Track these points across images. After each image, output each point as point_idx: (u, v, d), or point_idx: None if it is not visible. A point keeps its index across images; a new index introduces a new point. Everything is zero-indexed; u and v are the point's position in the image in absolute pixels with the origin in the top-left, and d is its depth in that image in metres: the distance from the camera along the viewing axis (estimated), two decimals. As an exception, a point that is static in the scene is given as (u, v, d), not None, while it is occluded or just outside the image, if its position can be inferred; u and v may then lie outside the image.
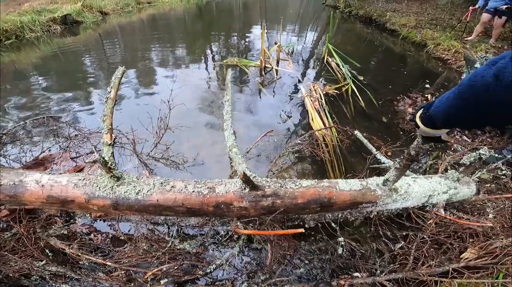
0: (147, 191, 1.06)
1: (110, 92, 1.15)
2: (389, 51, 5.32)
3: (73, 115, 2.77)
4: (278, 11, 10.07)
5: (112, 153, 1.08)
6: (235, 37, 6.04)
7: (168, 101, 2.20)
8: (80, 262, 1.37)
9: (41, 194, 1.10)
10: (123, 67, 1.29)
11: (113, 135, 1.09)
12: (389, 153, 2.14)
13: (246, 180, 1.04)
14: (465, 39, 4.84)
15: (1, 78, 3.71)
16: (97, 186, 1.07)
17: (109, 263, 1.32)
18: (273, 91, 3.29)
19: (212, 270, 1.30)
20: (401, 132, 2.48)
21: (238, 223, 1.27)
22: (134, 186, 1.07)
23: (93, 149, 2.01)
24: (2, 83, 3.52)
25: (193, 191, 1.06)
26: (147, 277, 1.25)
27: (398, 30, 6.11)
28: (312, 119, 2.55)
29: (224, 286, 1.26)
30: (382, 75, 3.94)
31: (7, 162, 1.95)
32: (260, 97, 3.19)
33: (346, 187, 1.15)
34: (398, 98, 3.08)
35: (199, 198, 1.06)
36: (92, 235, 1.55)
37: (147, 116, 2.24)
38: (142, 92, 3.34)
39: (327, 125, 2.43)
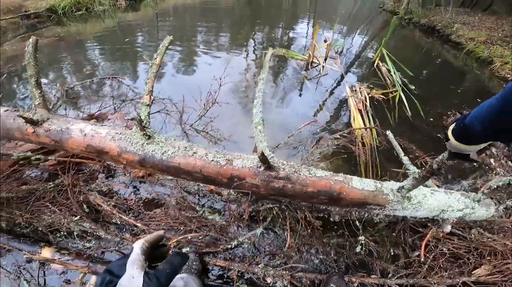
0: (171, 153, 1.14)
1: (156, 58, 1.26)
2: (448, 64, 4.85)
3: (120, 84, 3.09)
4: (328, 9, 9.74)
5: (149, 113, 1.19)
6: (280, 29, 6.08)
7: (220, 78, 2.41)
8: (111, 221, 1.47)
9: (82, 142, 1.24)
10: (171, 36, 1.40)
11: (152, 97, 1.20)
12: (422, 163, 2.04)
13: (263, 159, 1.06)
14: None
15: (63, 46, 4.23)
16: (130, 141, 1.18)
17: (139, 225, 1.41)
18: (316, 86, 3.30)
19: (233, 247, 1.35)
20: (445, 148, 2.30)
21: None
22: (161, 147, 1.16)
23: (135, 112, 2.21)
24: (63, 51, 4.02)
25: (212, 160, 1.12)
26: (171, 244, 1.32)
27: (463, 43, 5.52)
28: (354, 119, 2.53)
29: (242, 263, 1.31)
30: (435, 87, 3.65)
31: (66, 114, 2.26)
32: (303, 89, 3.24)
33: (359, 185, 1.11)
34: (448, 113, 2.84)
35: (216, 168, 1.11)
36: (127, 195, 1.68)
37: (197, 90, 2.46)
38: (190, 69, 3.62)
39: (367, 126, 2.41)
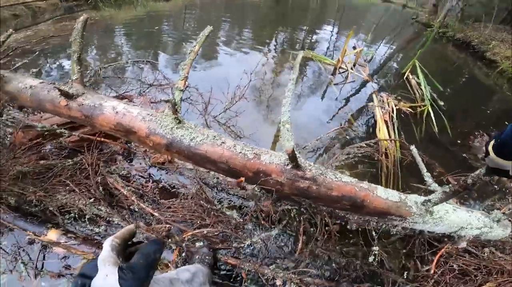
0: (200, 140, 1.14)
1: (195, 46, 1.26)
2: (479, 82, 4.68)
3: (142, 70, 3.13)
4: (357, 16, 9.57)
5: (181, 98, 1.19)
6: (304, 31, 6.01)
7: (251, 73, 2.46)
8: (125, 207, 1.41)
9: (112, 119, 1.25)
10: (211, 26, 1.40)
11: (186, 83, 1.20)
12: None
13: (292, 156, 1.04)
14: None
15: (95, 29, 4.34)
16: (160, 124, 1.19)
17: (156, 214, 1.36)
18: (341, 92, 3.25)
19: (246, 246, 1.34)
20: (469, 168, 2.21)
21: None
22: (190, 133, 1.16)
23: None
24: (95, 34, 4.14)
25: (240, 152, 1.11)
26: (186, 237, 1.30)
27: (498, 61, 5.27)
28: (379, 129, 2.49)
29: (253, 263, 1.30)
30: (464, 105, 3.54)
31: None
32: (326, 93, 3.20)
33: (383, 195, 1.07)
34: (476, 133, 2.72)
35: (243, 161, 1.10)
36: (144, 181, 1.64)
37: (218, 83, 2.48)
38: (213, 62, 3.65)
39: (392, 138, 2.36)
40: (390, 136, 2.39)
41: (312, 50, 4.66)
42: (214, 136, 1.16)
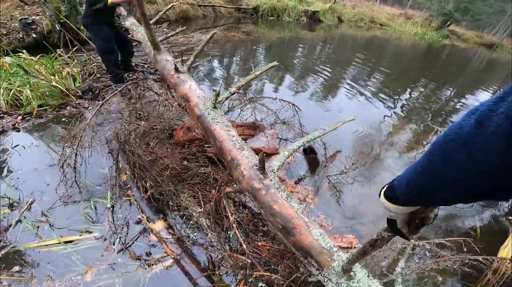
0: (215, 122, 1.59)
1: (258, 71, 1.77)
2: None
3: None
4: None
5: (227, 98, 1.74)
6: (447, 97, 5.04)
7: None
8: (223, 228, 1.50)
9: (183, 90, 1.90)
10: (277, 62, 1.86)
11: (237, 92, 1.74)
12: None
13: (261, 160, 1.28)
14: None
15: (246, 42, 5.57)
16: (203, 103, 1.72)
17: (244, 246, 1.39)
18: None
19: None
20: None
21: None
22: (214, 115, 1.63)
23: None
24: (242, 46, 5.30)
25: (231, 140, 1.47)
26: (255, 274, 1.31)
27: None
28: (505, 247, 1.90)
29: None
30: None
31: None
32: None
33: (316, 236, 1.11)
34: None
35: (231, 147, 1.45)
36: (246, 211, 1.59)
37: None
38: (329, 101, 3.78)
39: None
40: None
41: (448, 117, 4.00)
42: (227, 125, 1.57)
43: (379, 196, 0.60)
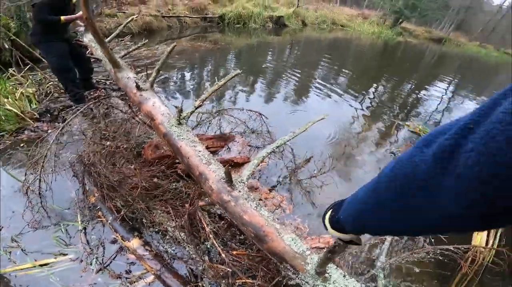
0: (181, 138, 1.59)
1: (221, 81, 1.78)
2: None
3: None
4: (485, 75, 7.95)
5: (192, 113, 1.73)
6: (408, 90, 5.48)
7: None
8: (200, 239, 1.51)
9: (147, 108, 1.88)
10: (240, 71, 1.89)
11: (201, 105, 1.75)
12: None
13: (227, 173, 1.31)
14: None
15: (213, 51, 5.61)
16: (168, 120, 1.72)
17: (223, 255, 1.40)
18: None
19: None
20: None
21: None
22: (180, 132, 1.63)
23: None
24: (210, 55, 5.33)
25: (198, 156, 1.48)
26: (237, 282, 1.33)
27: None
28: (477, 234, 2.07)
29: None
30: None
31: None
32: None
33: (287, 240, 1.16)
34: None
35: (198, 162, 1.47)
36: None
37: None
38: (299, 101, 3.98)
39: (490, 245, 1.95)
40: (488, 243, 1.96)
41: (411, 110, 4.32)
42: (193, 141, 1.59)
43: (324, 225, 0.62)
